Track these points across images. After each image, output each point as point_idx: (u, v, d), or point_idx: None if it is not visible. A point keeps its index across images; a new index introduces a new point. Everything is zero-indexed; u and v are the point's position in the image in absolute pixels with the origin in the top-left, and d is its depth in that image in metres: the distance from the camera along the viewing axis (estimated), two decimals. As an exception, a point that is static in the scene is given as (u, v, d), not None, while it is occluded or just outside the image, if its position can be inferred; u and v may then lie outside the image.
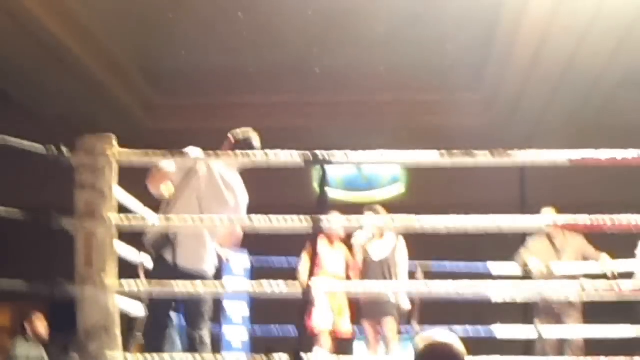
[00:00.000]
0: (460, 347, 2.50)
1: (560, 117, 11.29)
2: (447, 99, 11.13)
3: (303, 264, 6.71)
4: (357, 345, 9.90)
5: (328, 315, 6.61)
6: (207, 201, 4.86)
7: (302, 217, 4.39)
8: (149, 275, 4.80)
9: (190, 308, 4.90)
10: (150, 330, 4.89)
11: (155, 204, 4.98)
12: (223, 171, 4.95)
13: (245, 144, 5.05)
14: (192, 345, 4.81)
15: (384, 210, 6.61)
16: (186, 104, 10.81)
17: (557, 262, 7.01)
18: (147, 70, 10.98)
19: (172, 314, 5.21)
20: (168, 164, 4.79)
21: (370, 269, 6.60)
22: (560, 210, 6.92)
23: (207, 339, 4.87)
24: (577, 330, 6.91)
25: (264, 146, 5.07)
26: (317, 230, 4.43)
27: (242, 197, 5.05)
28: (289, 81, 10.93)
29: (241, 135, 5.14)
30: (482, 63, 10.48)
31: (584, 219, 4.52)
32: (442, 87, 10.85)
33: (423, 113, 10.97)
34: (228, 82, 10.92)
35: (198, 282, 4.51)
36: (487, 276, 7.37)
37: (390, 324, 6.48)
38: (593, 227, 4.50)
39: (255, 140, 5.13)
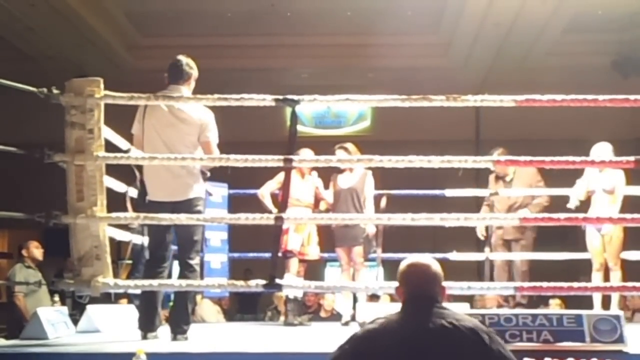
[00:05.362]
0: (437, 267, 2.61)
1: (513, 58, 11.32)
2: (408, 42, 11.05)
3: (266, 186, 6.72)
4: (329, 271, 10.00)
5: (297, 241, 6.63)
6: (163, 132, 4.72)
7: (275, 157, 4.41)
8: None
9: (182, 238, 4.79)
10: (150, 267, 4.81)
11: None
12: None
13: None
14: (183, 273, 4.76)
15: (354, 148, 6.60)
16: (168, 44, 10.66)
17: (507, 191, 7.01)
18: (132, 13, 10.84)
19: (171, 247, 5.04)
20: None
21: (341, 196, 6.64)
22: (511, 146, 6.96)
23: (197, 267, 4.82)
24: (522, 256, 6.94)
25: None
26: (288, 167, 4.46)
27: (198, 117, 4.80)
28: (263, 24, 10.81)
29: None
30: (440, 9, 10.39)
31: (524, 159, 4.58)
32: (404, 31, 10.76)
33: (388, 55, 10.87)
34: (208, 25, 10.80)
35: (184, 214, 4.47)
36: (445, 201, 7.39)
37: (358, 251, 6.55)
38: (533, 164, 4.58)
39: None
